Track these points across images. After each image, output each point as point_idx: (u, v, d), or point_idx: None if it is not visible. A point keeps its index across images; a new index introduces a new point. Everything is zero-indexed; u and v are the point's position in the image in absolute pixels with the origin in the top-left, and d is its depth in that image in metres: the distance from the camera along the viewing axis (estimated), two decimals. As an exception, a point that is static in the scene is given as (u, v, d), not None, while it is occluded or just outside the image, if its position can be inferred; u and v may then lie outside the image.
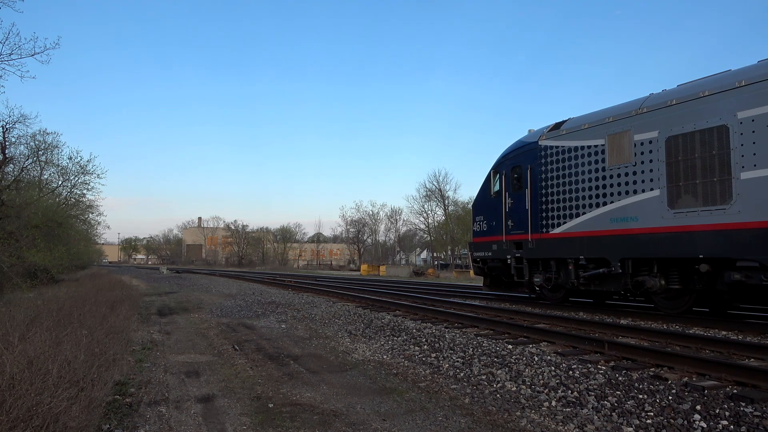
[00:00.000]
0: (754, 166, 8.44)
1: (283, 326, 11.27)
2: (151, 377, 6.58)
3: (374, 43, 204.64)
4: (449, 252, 69.30)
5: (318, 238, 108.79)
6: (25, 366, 4.71)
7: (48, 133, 23.59)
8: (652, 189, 9.98)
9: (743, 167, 8.58)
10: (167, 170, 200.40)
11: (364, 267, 61.63)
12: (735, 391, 5.04)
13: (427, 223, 69.22)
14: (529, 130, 13.84)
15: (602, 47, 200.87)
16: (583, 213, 11.39)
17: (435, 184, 66.01)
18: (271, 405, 5.34)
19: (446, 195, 65.54)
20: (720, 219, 8.84)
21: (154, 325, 11.68)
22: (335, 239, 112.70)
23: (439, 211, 66.96)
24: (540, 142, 12.69)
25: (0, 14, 39.41)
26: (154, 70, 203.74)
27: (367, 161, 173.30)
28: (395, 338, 9.04)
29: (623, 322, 9.84)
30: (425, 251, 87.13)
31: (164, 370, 7.01)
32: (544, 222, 12.41)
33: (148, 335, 10.15)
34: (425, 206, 67.88)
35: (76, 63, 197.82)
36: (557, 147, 12.19)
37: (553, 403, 5.19)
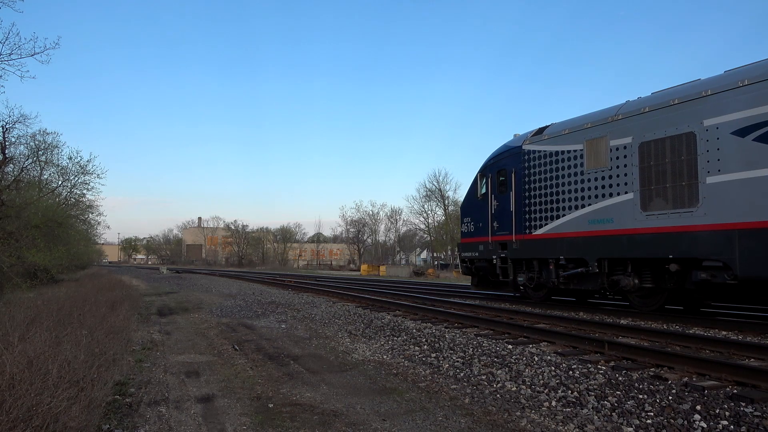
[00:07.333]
0: (719, 171, 8.88)
1: (283, 326, 11.26)
2: (151, 377, 6.58)
3: (379, 44, 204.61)
4: (449, 252, 69.28)
5: (318, 238, 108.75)
6: (25, 366, 4.71)
7: (48, 133, 23.50)
8: (626, 192, 10.41)
9: (709, 172, 9.01)
10: (167, 170, 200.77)
11: (364, 267, 61.67)
12: (735, 391, 5.05)
13: (427, 223, 69.24)
14: (515, 135, 14.25)
15: (606, 48, 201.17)
16: (563, 215, 11.79)
17: (435, 184, 66.07)
18: (271, 405, 5.34)
19: (446, 195, 65.55)
20: (687, 221, 9.28)
21: (154, 325, 11.68)
22: (335, 239, 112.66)
23: (439, 211, 66.99)
24: (524, 147, 13.11)
25: (0, 14, 39.41)
26: (155, 70, 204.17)
27: (369, 161, 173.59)
28: (395, 338, 9.04)
29: (623, 322, 9.85)
30: (425, 251, 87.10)
31: (164, 370, 7.01)
32: (527, 223, 12.79)
33: (148, 335, 10.15)
34: (425, 206, 67.91)
35: (77, 62, 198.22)
36: (540, 151, 12.60)
37: (553, 403, 5.19)
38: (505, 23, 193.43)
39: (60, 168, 25.50)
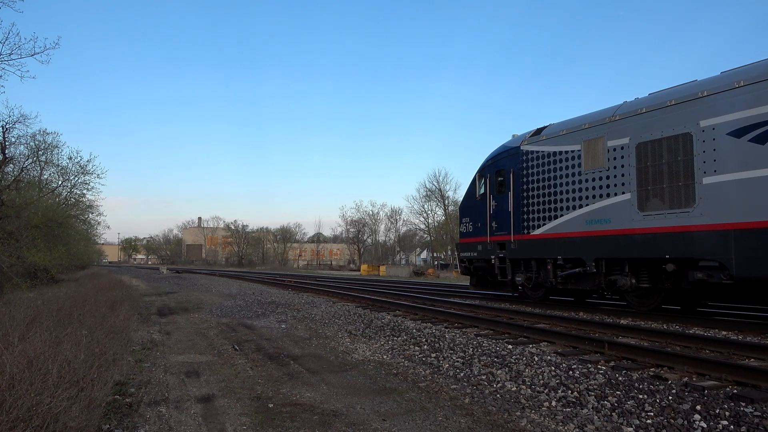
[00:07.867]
0: (715, 171, 8.93)
1: (283, 326, 11.26)
2: (151, 377, 6.58)
3: (380, 44, 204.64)
4: (449, 252, 69.26)
5: (318, 238, 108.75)
6: (25, 366, 4.71)
7: (48, 133, 23.52)
8: (623, 192, 10.48)
9: (705, 173, 9.07)
10: (167, 170, 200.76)
11: (364, 267, 61.66)
12: (735, 391, 5.05)
13: (427, 223, 69.23)
14: (513, 135, 14.35)
15: (606, 48, 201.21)
16: (561, 215, 11.86)
17: (435, 184, 66.07)
18: (271, 405, 5.34)
19: (446, 195, 65.51)
20: (684, 221, 9.34)
21: (154, 325, 11.68)
22: (335, 239, 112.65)
23: (439, 211, 66.97)
24: (522, 147, 13.19)
25: (0, 14, 39.43)
26: (155, 70, 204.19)
27: (369, 162, 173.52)
28: (395, 338, 9.04)
29: (623, 322, 9.85)
30: (425, 251, 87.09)
31: (164, 370, 7.01)
32: (525, 223, 12.86)
33: (148, 335, 10.15)
34: (425, 206, 67.92)
35: (77, 62, 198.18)
36: (538, 152, 12.66)
37: (553, 403, 5.19)
38: (505, 23, 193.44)
39: (60, 168, 25.53)
